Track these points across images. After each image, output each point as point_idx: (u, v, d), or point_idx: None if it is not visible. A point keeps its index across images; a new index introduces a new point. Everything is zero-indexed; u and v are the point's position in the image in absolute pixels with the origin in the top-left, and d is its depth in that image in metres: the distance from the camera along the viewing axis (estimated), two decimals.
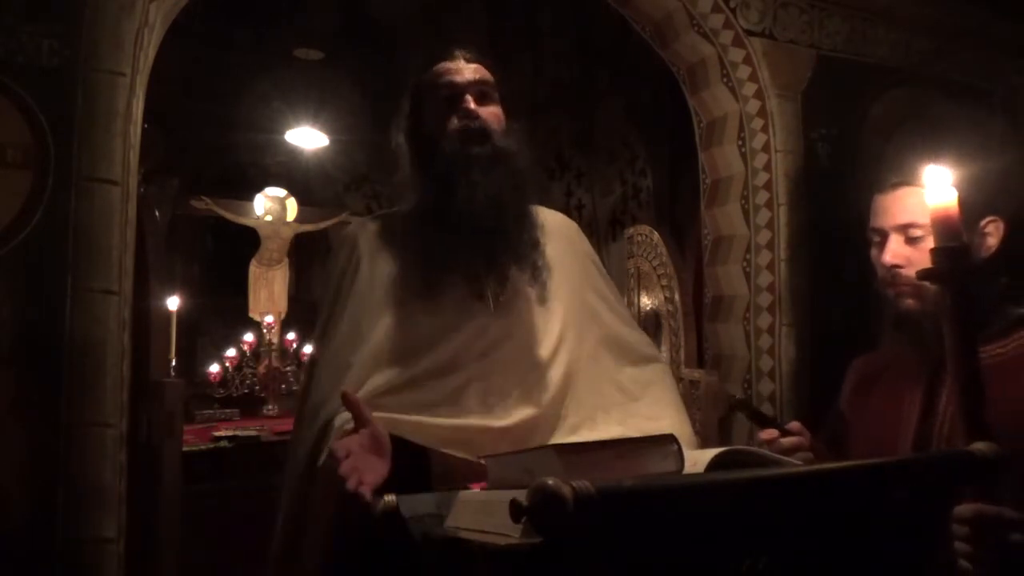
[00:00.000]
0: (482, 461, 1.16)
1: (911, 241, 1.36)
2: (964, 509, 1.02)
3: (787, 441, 1.32)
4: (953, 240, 1.07)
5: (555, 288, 1.45)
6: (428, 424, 1.26)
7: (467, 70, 1.43)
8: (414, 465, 1.18)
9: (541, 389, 1.38)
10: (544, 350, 1.41)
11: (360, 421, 1.13)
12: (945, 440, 1.30)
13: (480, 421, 1.30)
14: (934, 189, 1.09)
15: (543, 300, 1.43)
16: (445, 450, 1.20)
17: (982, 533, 1.01)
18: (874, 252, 1.43)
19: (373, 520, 0.99)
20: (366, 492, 0.98)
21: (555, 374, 1.40)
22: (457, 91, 1.42)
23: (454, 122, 1.40)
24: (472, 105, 1.40)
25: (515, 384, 1.37)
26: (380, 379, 1.30)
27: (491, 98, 1.45)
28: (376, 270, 1.42)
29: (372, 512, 0.98)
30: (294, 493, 1.28)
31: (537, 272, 1.42)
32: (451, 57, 1.46)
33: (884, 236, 1.40)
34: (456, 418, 1.29)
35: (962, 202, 1.08)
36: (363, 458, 1.05)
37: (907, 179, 1.37)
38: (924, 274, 1.09)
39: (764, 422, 1.39)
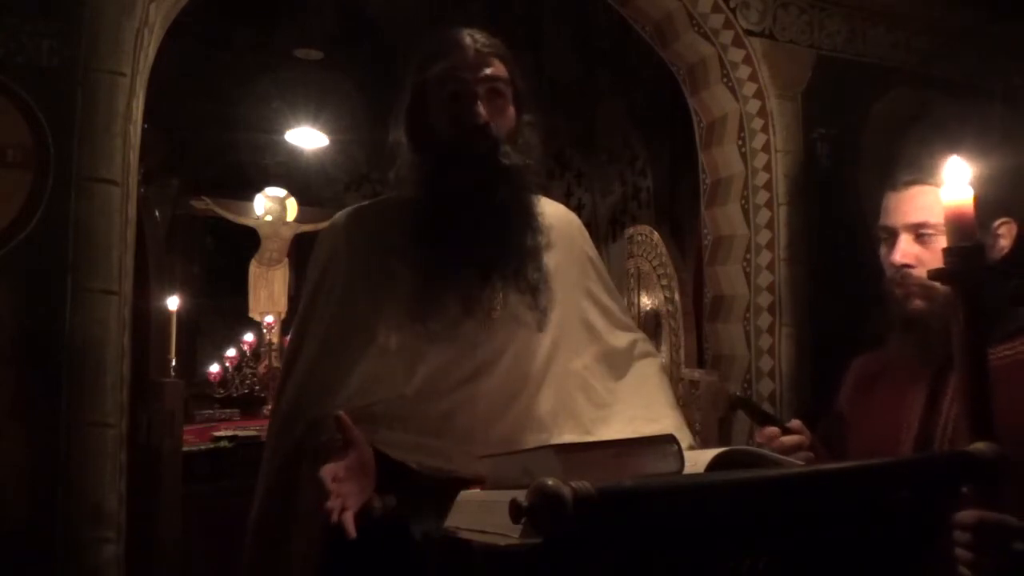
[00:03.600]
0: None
1: (922, 240, 1.33)
2: (967, 515, 0.99)
3: (788, 440, 1.30)
4: (967, 239, 1.03)
5: (552, 302, 1.37)
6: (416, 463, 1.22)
7: (477, 63, 1.30)
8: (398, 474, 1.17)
9: (529, 418, 1.31)
10: (534, 373, 1.34)
11: (350, 443, 1.10)
12: (948, 441, 1.29)
13: (467, 468, 1.21)
14: (950, 186, 1.05)
15: (540, 324, 1.35)
16: (430, 463, 1.19)
17: (984, 540, 0.98)
18: (883, 251, 1.40)
19: (368, 531, 0.99)
20: (349, 525, 0.99)
21: (544, 399, 1.34)
22: (465, 88, 1.29)
23: (459, 124, 1.29)
24: (481, 109, 1.28)
25: (502, 413, 1.30)
26: (361, 400, 1.24)
27: (503, 95, 1.32)
28: (364, 267, 1.35)
29: (352, 536, 0.98)
30: (273, 500, 1.25)
31: (536, 293, 1.34)
32: (460, 45, 1.31)
33: (894, 235, 1.37)
34: (442, 457, 1.23)
35: (976, 203, 1.04)
36: (347, 484, 1.04)
37: (920, 177, 1.34)
38: (935, 274, 1.05)
39: (765, 420, 1.37)
